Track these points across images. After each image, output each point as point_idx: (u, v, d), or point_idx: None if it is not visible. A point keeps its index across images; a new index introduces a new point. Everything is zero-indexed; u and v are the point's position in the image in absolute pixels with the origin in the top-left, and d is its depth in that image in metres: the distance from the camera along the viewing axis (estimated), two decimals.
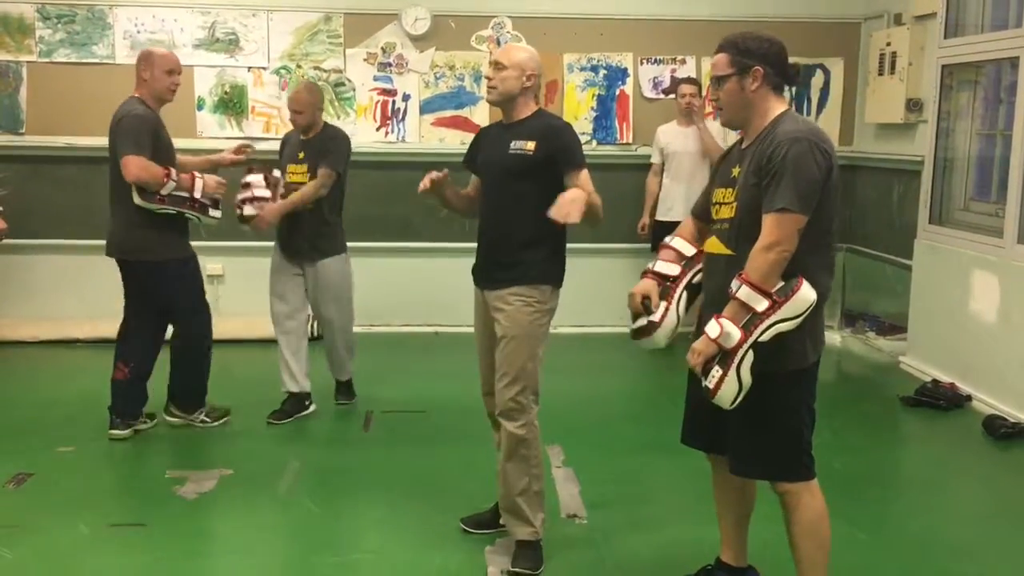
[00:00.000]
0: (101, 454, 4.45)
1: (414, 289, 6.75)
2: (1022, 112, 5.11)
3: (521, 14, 6.73)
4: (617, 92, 6.87)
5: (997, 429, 4.83)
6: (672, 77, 6.80)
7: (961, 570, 3.49)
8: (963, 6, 5.81)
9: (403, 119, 6.77)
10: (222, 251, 6.48)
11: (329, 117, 6.46)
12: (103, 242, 6.56)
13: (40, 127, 6.54)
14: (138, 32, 6.53)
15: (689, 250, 3.03)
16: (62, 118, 6.52)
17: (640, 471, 4.38)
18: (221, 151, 5.11)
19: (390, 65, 6.72)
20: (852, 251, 6.86)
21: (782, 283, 2.66)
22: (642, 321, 2.97)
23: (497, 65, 3.37)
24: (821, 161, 2.67)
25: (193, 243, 4.76)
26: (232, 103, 6.64)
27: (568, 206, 3.13)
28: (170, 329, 4.85)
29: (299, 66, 6.65)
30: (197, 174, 4.53)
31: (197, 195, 4.47)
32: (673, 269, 3.01)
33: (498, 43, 6.66)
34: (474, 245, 3.52)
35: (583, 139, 6.65)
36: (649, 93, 6.89)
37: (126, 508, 3.85)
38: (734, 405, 2.68)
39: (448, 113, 6.79)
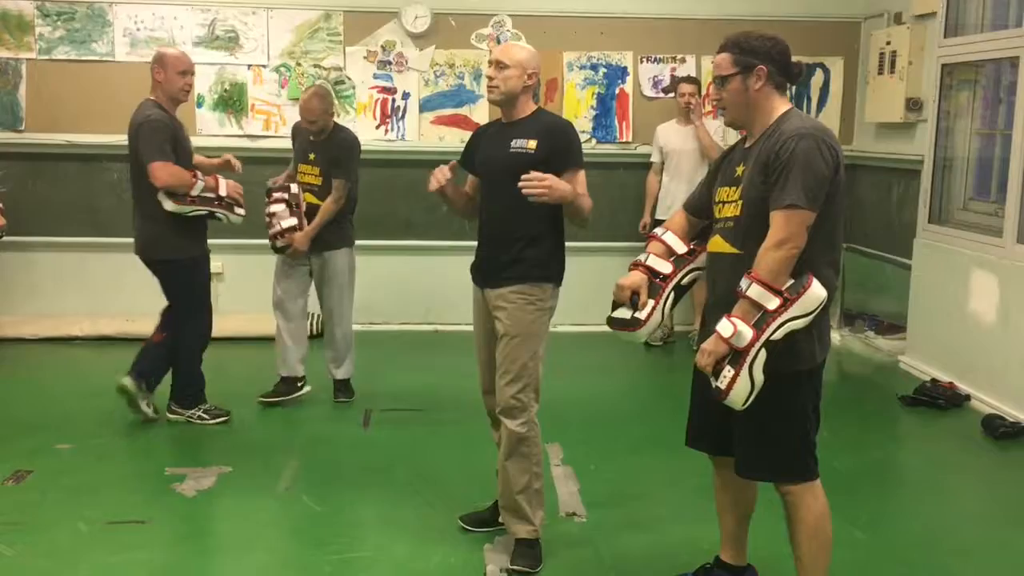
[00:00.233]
0: (100, 451, 4.44)
1: (414, 287, 6.76)
2: (1022, 112, 5.11)
3: (521, 12, 6.73)
4: (617, 91, 6.87)
5: (996, 428, 4.84)
6: (672, 76, 6.79)
7: (960, 569, 3.50)
8: (963, 6, 5.81)
9: (403, 117, 6.77)
10: (222, 249, 6.42)
11: (336, 113, 6.45)
12: (103, 239, 6.69)
13: (40, 124, 6.53)
14: (138, 30, 6.52)
15: (680, 247, 3.02)
16: (62, 115, 6.52)
17: (639, 470, 4.38)
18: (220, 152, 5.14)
19: (390, 63, 6.72)
20: (852, 250, 6.86)
21: (792, 281, 2.64)
22: (626, 314, 2.94)
23: (499, 64, 3.36)
24: (828, 157, 2.67)
25: None
26: (232, 101, 6.64)
27: (545, 182, 3.14)
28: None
29: (299, 64, 6.65)
30: (218, 175, 4.65)
31: (223, 193, 4.59)
32: (665, 267, 2.98)
33: (498, 41, 6.66)
34: (474, 243, 3.52)
35: (583, 137, 6.72)
36: (649, 92, 6.89)
37: (125, 505, 3.84)
38: (746, 405, 2.67)
39: (448, 111, 6.78)
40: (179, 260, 4.69)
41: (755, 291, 2.63)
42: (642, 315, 2.92)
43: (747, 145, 2.85)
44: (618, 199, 6.76)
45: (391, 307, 6.76)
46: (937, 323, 5.79)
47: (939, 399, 5.29)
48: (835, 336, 6.73)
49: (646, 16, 6.81)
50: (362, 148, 5.43)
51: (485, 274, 3.45)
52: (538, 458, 3.42)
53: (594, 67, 6.84)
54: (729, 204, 2.83)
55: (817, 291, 2.64)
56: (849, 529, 3.63)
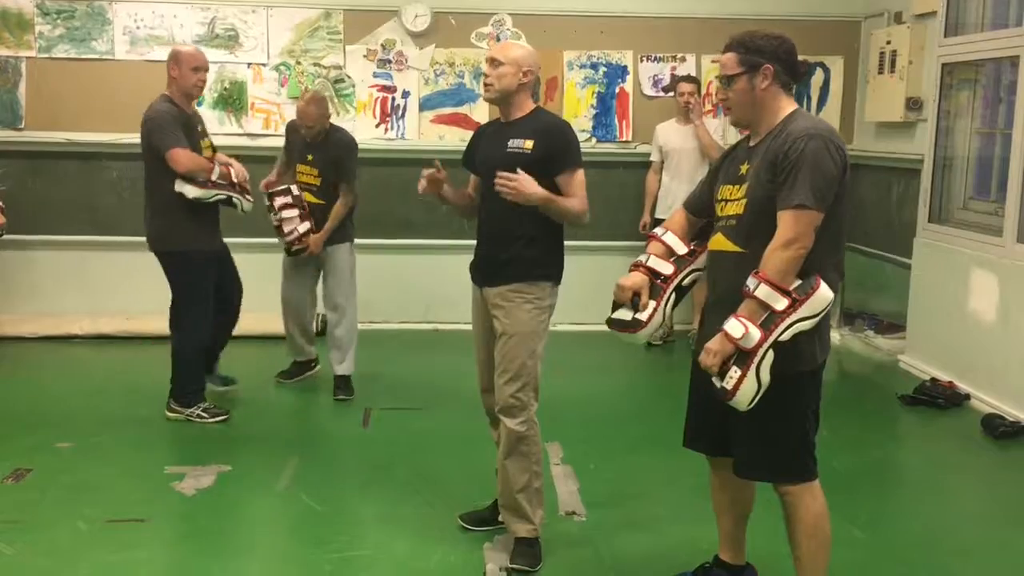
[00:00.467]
0: (100, 450, 4.44)
1: (413, 286, 6.75)
2: (1022, 111, 5.11)
3: (521, 11, 6.72)
4: (617, 90, 6.87)
5: (996, 428, 4.84)
6: (672, 75, 6.79)
7: (960, 569, 3.50)
8: (963, 5, 5.81)
9: (402, 116, 6.76)
10: None
11: (332, 115, 6.45)
12: (103, 238, 6.69)
13: (39, 123, 6.52)
14: (137, 28, 6.52)
15: (681, 248, 3.00)
16: (61, 114, 6.51)
17: (639, 469, 4.38)
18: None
19: (390, 62, 6.71)
20: (851, 250, 6.84)
21: (799, 281, 2.64)
22: (626, 316, 2.93)
23: (493, 62, 3.36)
24: (837, 158, 2.67)
25: None
26: (232, 99, 6.63)
27: (512, 183, 3.15)
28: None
29: (299, 63, 6.65)
30: (230, 166, 4.75)
31: (235, 180, 4.72)
32: (666, 268, 2.97)
33: (498, 40, 6.65)
34: (473, 242, 3.52)
35: (582, 136, 6.75)
36: (649, 91, 6.88)
37: (125, 504, 3.84)
38: (751, 406, 2.66)
39: (448, 110, 6.78)
40: (187, 252, 4.72)
41: (763, 291, 2.62)
42: (643, 316, 2.90)
43: (752, 144, 2.84)
44: (618, 198, 6.76)
45: (391, 306, 6.76)
46: (937, 322, 5.79)
47: (939, 398, 5.29)
48: (835, 335, 6.73)
49: (646, 15, 6.81)
50: (362, 147, 5.47)
51: (483, 273, 3.44)
52: (538, 457, 3.41)
53: (594, 66, 6.84)
54: (732, 202, 2.82)
55: (825, 292, 2.64)
56: (848, 528, 3.63)
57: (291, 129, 5.38)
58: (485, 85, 3.40)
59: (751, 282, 2.64)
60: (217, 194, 4.65)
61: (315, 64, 6.66)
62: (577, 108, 6.84)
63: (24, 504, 3.82)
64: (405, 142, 6.75)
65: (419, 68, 6.74)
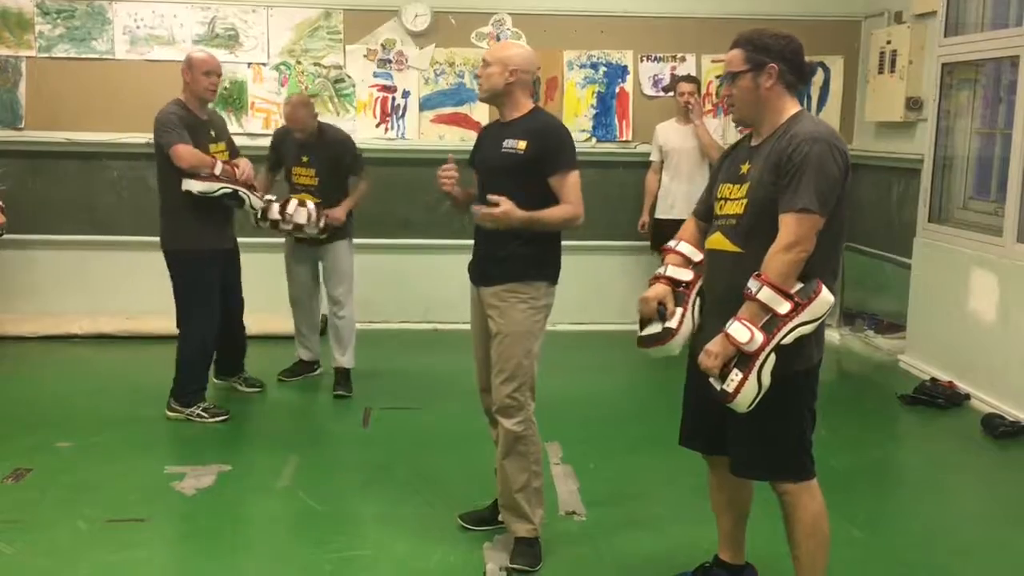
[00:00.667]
0: (100, 449, 4.44)
1: (413, 286, 6.75)
2: (1022, 111, 5.11)
3: (521, 11, 6.72)
4: (617, 89, 6.87)
5: (996, 428, 4.84)
6: (672, 75, 6.79)
7: (960, 569, 3.49)
8: (963, 5, 5.81)
9: (403, 116, 6.76)
10: None
11: (329, 114, 6.47)
12: (103, 237, 6.70)
13: (39, 122, 6.52)
14: (137, 28, 6.52)
15: (696, 256, 2.99)
16: (61, 113, 6.51)
17: (639, 468, 4.39)
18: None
19: (390, 61, 6.71)
20: (851, 249, 6.85)
21: (801, 285, 2.64)
22: (656, 328, 2.90)
23: (483, 62, 3.39)
24: (840, 163, 2.67)
25: None
26: (232, 99, 6.63)
27: (493, 216, 3.21)
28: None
29: (299, 62, 6.65)
30: (234, 163, 4.84)
31: (241, 177, 4.79)
32: (685, 274, 2.95)
33: (498, 40, 6.65)
34: (472, 242, 3.52)
35: (582, 136, 6.78)
36: (649, 91, 6.88)
37: (125, 503, 3.84)
38: (750, 408, 2.66)
39: (448, 110, 6.78)
40: (191, 251, 4.78)
41: (765, 294, 2.61)
42: (673, 324, 2.88)
43: (754, 143, 2.83)
44: (617, 198, 6.75)
45: (390, 306, 6.76)
46: (937, 322, 5.80)
47: (939, 398, 5.29)
48: (835, 335, 6.74)
49: (646, 15, 6.81)
50: (362, 147, 5.53)
51: (479, 272, 3.45)
52: (536, 456, 3.41)
53: (594, 66, 6.84)
54: (733, 201, 2.81)
55: (826, 297, 2.64)
56: (848, 528, 3.63)
57: (280, 136, 5.44)
58: (478, 84, 3.44)
59: (753, 284, 2.64)
60: (222, 187, 4.71)
61: (315, 64, 6.66)
62: (577, 108, 6.84)
63: (24, 504, 3.82)
64: (405, 142, 6.75)
65: (419, 68, 6.74)
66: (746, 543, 3.16)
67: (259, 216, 5.05)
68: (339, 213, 5.23)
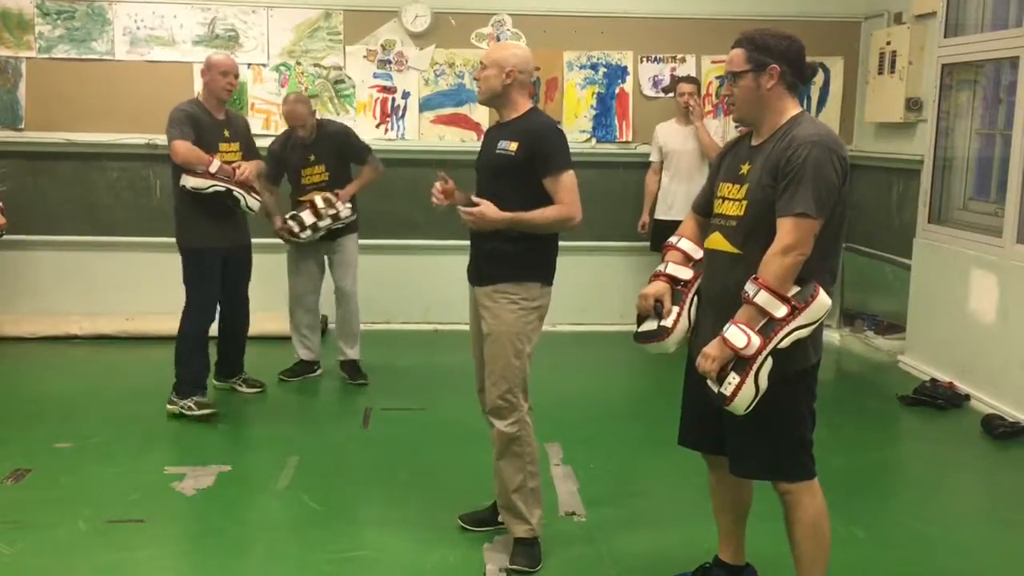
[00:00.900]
0: (100, 450, 4.44)
1: (413, 286, 6.76)
2: (1022, 112, 5.11)
3: (521, 11, 6.72)
4: (617, 90, 6.87)
5: (995, 428, 4.84)
6: (672, 76, 6.79)
7: (959, 568, 3.49)
8: (963, 5, 5.81)
9: (403, 116, 6.76)
10: None
11: (329, 115, 6.47)
12: (102, 238, 6.70)
13: (39, 123, 6.52)
14: (138, 28, 6.52)
15: (697, 252, 2.99)
16: (61, 114, 6.51)
17: (639, 469, 4.39)
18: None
19: (390, 62, 6.71)
20: (851, 250, 6.86)
21: (798, 289, 2.64)
22: (652, 325, 2.92)
23: (480, 64, 3.40)
24: (838, 167, 2.67)
25: None
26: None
27: (474, 216, 3.24)
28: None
29: (299, 63, 6.65)
30: (236, 169, 4.89)
31: (240, 178, 4.86)
32: (685, 272, 2.96)
33: (498, 40, 6.65)
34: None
35: (582, 136, 6.77)
36: (649, 91, 6.88)
37: (125, 504, 3.84)
38: (747, 411, 2.67)
39: (448, 111, 6.78)
40: (192, 248, 4.91)
41: (763, 297, 2.62)
42: (668, 323, 2.89)
43: (754, 143, 2.83)
44: (618, 198, 6.76)
45: (391, 306, 6.76)
46: (937, 323, 5.80)
47: (939, 399, 5.29)
48: (835, 336, 6.74)
49: (646, 16, 6.81)
50: None
51: (474, 272, 3.45)
52: (532, 456, 3.41)
53: (594, 66, 6.84)
54: (732, 202, 2.81)
55: (824, 300, 2.64)
56: (848, 528, 3.63)
57: (281, 144, 5.47)
58: (477, 88, 3.46)
59: (750, 288, 2.64)
60: (214, 185, 4.78)
61: (315, 65, 6.66)
62: (577, 108, 6.84)
63: (24, 504, 3.82)
64: (405, 142, 6.75)
65: (419, 68, 6.74)
66: (746, 543, 3.16)
67: (301, 229, 5.25)
68: (347, 193, 5.38)
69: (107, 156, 6.60)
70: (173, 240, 5.05)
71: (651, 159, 6.58)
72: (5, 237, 5.70)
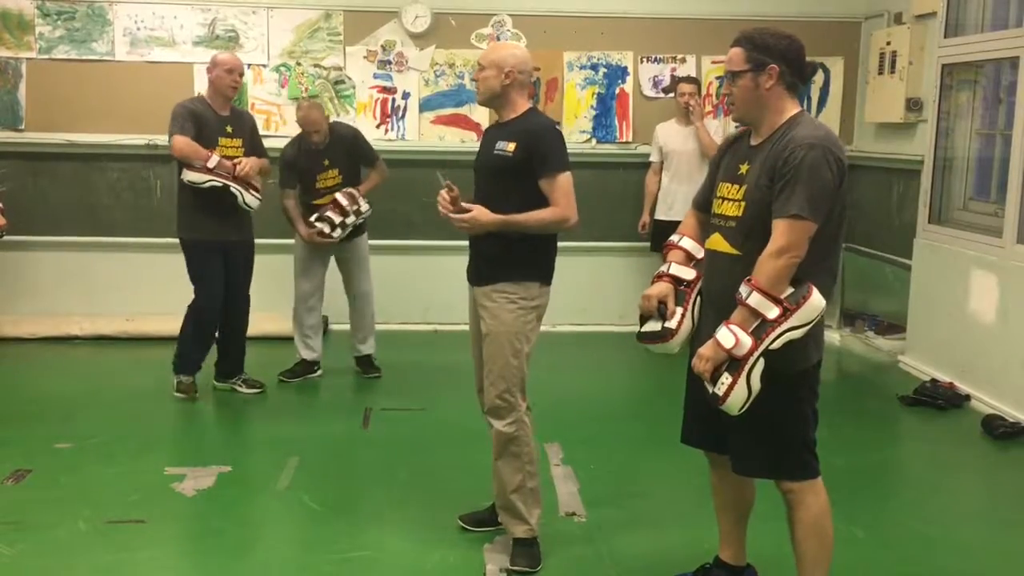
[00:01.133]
0: (100, 450, 4.44)
1: (413, 287, 6.75)
2: (1022, 112, 5.11)
3: (521, 12, 6.72)
4: (617, 90, 6.87)
5: (996, 428, 4.83)
6: (672, 76, 6.79)
7: (959, 568, 3.49)
8: (963, 6, 5.81)
9: (403, 117, 6.76)
10: None
11: (329, 114, 6.46)
12: (103, 239, 6.70)
13: (40, 124, 6.53)
14: (138, 29, 6.52)
15: (699, 252, 2.99)
16: (62, 115, 6.51)
17: (639, 469, 4.39)
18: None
19: (390, 63, 6.71)
20: (851, 250, 6.86)
21: (791, 290, 2.64)
22: (655, 326, 2.91)
23: (478, 66, 3.40)
24: (835, 170, 2.66)
25: None
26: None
27: (466, 222, 3.27)
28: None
29: (299, 63, 6.65)
30: (236, 160, 4.98)
31: (239, 173, 4.94)
32: (688, 273, 2.95)
33: (498, 41, 6.65)
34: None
35: (582, 137, 6.78)
36: (649, 92, 6.88)
37: (125, 504, 3.84)
38: (742, 411, 2.67)
39: (448, 111, 6.78)
40: (189, 240, 5.04)
41: (755, 299, 2.62)
42: (672, 324, 2.88)
43: (753, 143, 2.82)
44: (618, 199, 6.76)
45: (391, 306, 6.75)
46: (937, 323, 5.79)
47: (939, 399, 5.29)
48: (835, 336, 6.74)
49: (646, 16, 6.81)
50: None
51: (472, 272, 3.45)
52: (530, 456, 3.40)
53: (594, 67, 6.84)
54: (731, 202, 2.81)
55: (817, 301, 2.64)
56: (849, 528, 3.63)
57: (294, 150, 5.49)
58: (476, 89, 3.46)
59: (743, 290, 2.65)
60: (210, 180, 4.87)
61: (315, 65, 6.66)
62: (577, 109, 6.84)
63: (24, 505, 3.82)
64: (405, 143, 6.75)
65: (419, 69, 6.74)
66: (747, 544, 3.16)
67: (332, 229, 5.32)
68: (364, 189, 5.51)
69: (107, 157, 6.60)
70: (174, 240, 5.11)
71: (651, 159, 6.57)
72: (5, 238, 5.69)
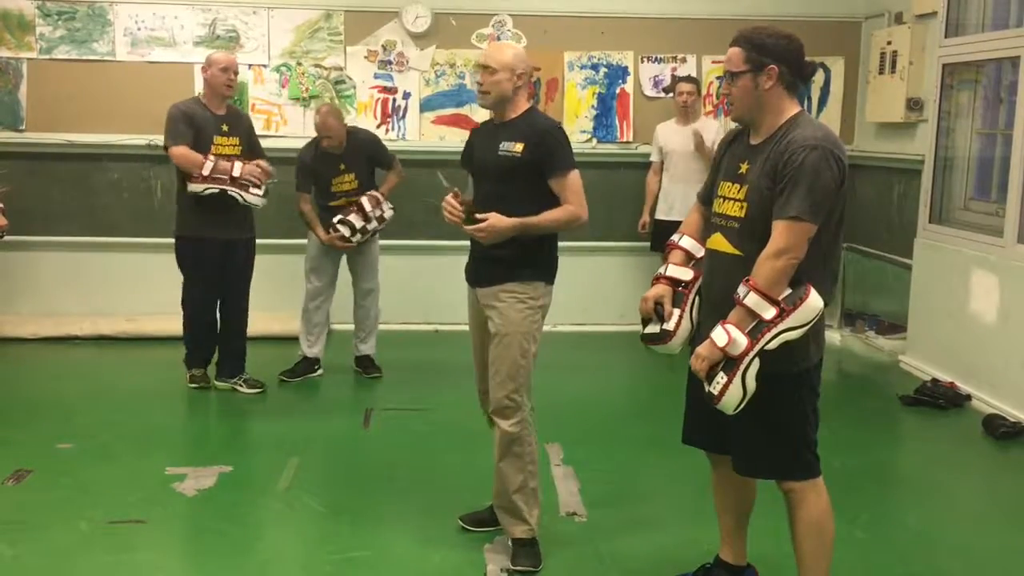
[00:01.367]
0: (101, 451, 4.44)
1: (414, 287, 6.75)
2: (1022, 111, 5.10)
3: (522, 12, 6.72)
4: (618, 90, 6.87)
5: (996, 428, 4.83)
6: (672, 76, 6.78)
7: (959, 569, 3.49)
8: (964, 5, 5.80)
9: (403, 117, 6.76)
10: None
11: (344, 119, 6.45)
12: (103, 239, 6.70)
13: (40, 124, 6.53)
14: (138, 29, 6.52)
15: (699, 251, 2.99)
16: (62, 115, 6.51)
17: (640, 469, 4.39)
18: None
19: (391, 63, 6.71)
20: (852, 250, 6.86)
21: (789, 291, 2.64)
22: (655, 328, 2.93)
23: (486, 69, 3.33)
24: (836, 171, 2.65)
25: None
26: (232, 100, 6.60)
27: (484, 231, 3.23)
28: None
29: (299, 64, 6.65)
30: (236, 161, 5.03)
31: (236, 175, 4.97)
32: (685, 274, 2.96)
33: (499, 40, 6.65)
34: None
35: (583, 137, 6.78)
36: (650, 92, 6.88)
37: (126, 505, 3.84)
38: (737, 411, 2.67)
39: (448, 111, 6.78)
40: (184, 238, 5.11)
41: (752, 299, 2.62)
42: (670, 326, 2.90)
43: (753, 142, 2.81)
44: (618, 199, 6.75)
45: (391, 306, 6.73)
46: (938, 323, 5.79)
47: (940, 399, 5.29)
48: (836, 336, 6.74)
49: (647, 16, 6.81)
50: None
51: (477, 274, 3.44)
52: (532, 456, 3.41)
53: (595, 67, 6.84)
54: (731, 201, 2.80)
55: (814, 302, 2.64)
56: (849, 528, 3.63)
57: (309, 155, 5.52)
58: (480, 92, 3.37)
59: (741, 290, 2.65)
60: (208, 188, 4.92)
61: (316, 65, 6.66)
62: (578, 109, 6.84)
63: (25, 505, 3.82)
64: (406, 143, 6.75)
65: (420, 69, 6.74)
66: (748, 544, 3.16)
67: (352, 233, 5.36)
68: (384, 193, 5.60)
69: (108, 157, 6.60)
70: (174, 241, 5.14)
71: (651, 159, 6.58)
72: (6, 238, 5.69)
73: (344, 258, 5.66)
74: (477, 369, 3.55)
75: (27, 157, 6.55)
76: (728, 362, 2.64)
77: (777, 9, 6.63)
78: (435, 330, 6.80)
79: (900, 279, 6.35)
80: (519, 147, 3.28)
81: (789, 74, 2.75)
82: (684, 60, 6.85)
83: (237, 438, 4.81)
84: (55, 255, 6.65)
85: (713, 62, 6.78)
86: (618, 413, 5.25)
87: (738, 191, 2.79)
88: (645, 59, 6.86)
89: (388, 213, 5.50)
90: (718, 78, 6.74)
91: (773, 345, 2.62)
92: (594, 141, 6.85)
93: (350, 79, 6.71)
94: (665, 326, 2.91)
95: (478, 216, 3.26)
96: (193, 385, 5.30)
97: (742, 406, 2.66)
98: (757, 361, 2.62)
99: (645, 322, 2.98)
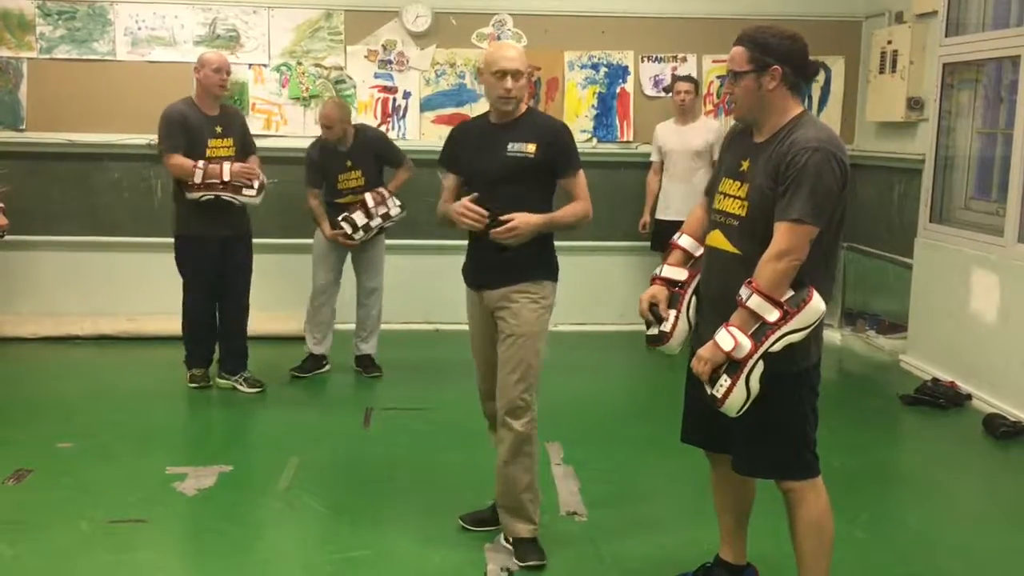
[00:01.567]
0: (101, 450, 4.44)
1: (414, 286, 6.74)
2: (1023, 111, 5.10)
3: (522, 11, 6.72)
4: (618, 90, 6.87)
5: (997, 428, 4.83)
6: (673, 75, 6.78)
7: (960, 569, 3.49)
8: (964, 5, 5.80)
9: (404, 116, 6.76)
10: None
11: (349, 116, 6.44)
12: (103, 238, 6.70)
13: (40, 124, 6.52)
14: (139, 29, 6.52)
15: (698, 249, 2.99)
16: (62, 115, 6.51)
17: (640, 469, 4.39)
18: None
19: (391, 62, 6.71)
20: (852, 250, 6.86)
21: (792, 293, 2.63)
22: (653, 330, 2.95)
23: (516, 74, 3.24)
24: (839, 174, 2.65)
25: None
26: (233, 100, 6.61)
27: (514, 231, 3.21)
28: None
29: (300, 63, 6.65)
30: (225, 162, 5.04)
31: (227, 178, 5.00)
32: (680, 274, 2.96)
33: (499, 40, 6.64)
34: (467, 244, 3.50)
35: (583, 136, 6.77)
36: (650, 91, 6.88)
37: (126, 504, 3.84)
38: (740, 413, 2.67)
39: (449, 111, 6.78)
40: (180, 236, 5.15)
41: (755, 302, 2.62)
42: (667, 327, 2.91)
43: (756, 140, 2.80)
44: (618, 199, 6.75)
45: (391, 306, 6.71)
46: (938, 322, 5.79)
47: (940, 398, 5.29)
48: (836, 335, 6.74)
49: (647, 15, 6.81)
50: None
51: (484, 277, 3.41)
52: (537, 456, 3.43)
53: (595, 66, 6.84)
54: (732, 199, 2.80)
55: (817, 305, 2.63)
56: (849, 528, 3.63)
57: (317, 150, 5.54)
58: (507, 99, 3.26)
59: (744, 292, 2.64)
60: (203, 195, 4.99)
61: (316, 65, 6.66)
62: (578, 108, 6.84)
63: (25, 505, 3.82)
64: (406, 142, 6.73)
65: (420, 68, 6.74)
66: (748, 543, 3.16)
67: (354, 230, 5.39)
68: (394, 188, 5.63)
69: (108, 157, 6.60)
70: (173, 240, 5.16)
71: (652, 159, 6.57)
72: (7, 238, 5.70)
73: (349, 256, 5.65)
74: (480, 369, 3.54)
75: (27, 157, 6.55)
76: (732, 365, 2.63)
77: (777, 8, 6.62)
78: (436, 329, 6.80)
79: (901, 278, 6.35)
80: (531, 147, 3.28)
81: (793, 74, 2.74)
82: (684, 60, 6.85)
83: (237, 438, 4.81)
84: (55, 255, 6.65)
85: (713, 61, 6.78)
86: (618, 413, 5.25)
87: (739, 188, 2.78)
88: (645, 59, 6.86)
89: (395, 211, 5.51)
90: (718, 78, 6.74)
91: (777, 348, 2.62)
92: (594, 141, 6.85)
93: (350, 79, 6.71)
94: (662, 327, 2.91)
95: (502, 218, 3.24)
96: (193, 385, 5.31)
97: (745, 408, 2.66)
98: (761, 364, 2.62)
99: (649, 324, 2.99)
